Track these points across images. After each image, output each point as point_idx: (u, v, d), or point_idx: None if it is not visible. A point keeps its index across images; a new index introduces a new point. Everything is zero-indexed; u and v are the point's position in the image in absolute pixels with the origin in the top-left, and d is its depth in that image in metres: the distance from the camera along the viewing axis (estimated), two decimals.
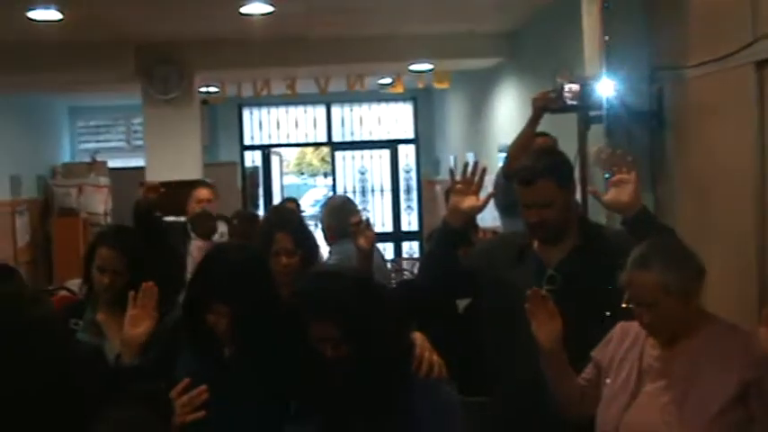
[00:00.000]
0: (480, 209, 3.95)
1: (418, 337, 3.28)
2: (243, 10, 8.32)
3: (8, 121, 12.93)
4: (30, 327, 1.26)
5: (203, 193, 7.96)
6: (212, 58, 10.29)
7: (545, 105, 5.78)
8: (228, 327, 3.31)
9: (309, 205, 25.15)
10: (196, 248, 8.06)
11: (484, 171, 3.94)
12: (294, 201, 10.29)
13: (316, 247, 4.94)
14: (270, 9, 8.30)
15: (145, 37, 9.66)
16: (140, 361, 3.48)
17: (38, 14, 8.03)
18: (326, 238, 6.05)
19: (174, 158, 10.23)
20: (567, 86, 5.82)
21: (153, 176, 10.12)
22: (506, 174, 5.65)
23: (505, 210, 5.77)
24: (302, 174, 34.76)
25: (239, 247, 3.67)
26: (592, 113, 5.98)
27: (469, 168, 3.94)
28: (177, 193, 9.87)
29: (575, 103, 5.85)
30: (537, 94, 5.87)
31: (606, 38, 5.98)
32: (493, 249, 4.16)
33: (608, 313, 3.59)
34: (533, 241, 3.92)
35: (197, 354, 3.41)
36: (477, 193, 3.90)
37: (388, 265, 8.87)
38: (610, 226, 4.56)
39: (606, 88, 5.82)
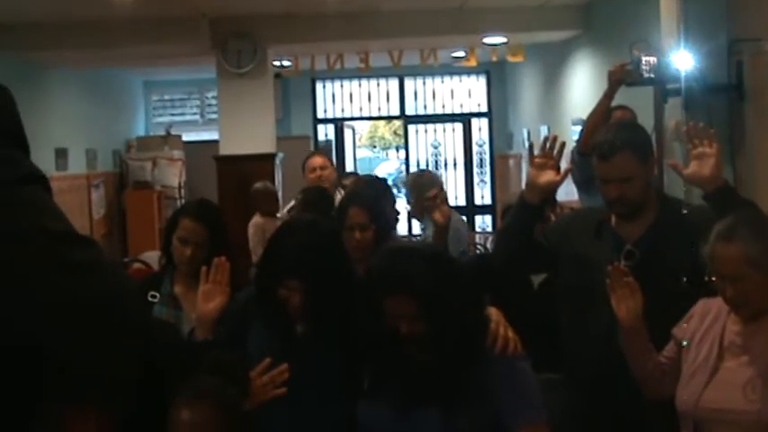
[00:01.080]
0: (558, 183, 3.88)
1: (494, 312, 3.24)
2: None
3: (84, 96, 13.08)
4: (125, 296, 1.26)
5: (317, 161, 7.70)
6: (286, 32, 10.30)
7: (621, 78, 5.69)
8: (301, 302, 3.29)
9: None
10: (252, 225, 8.11)
11: (563, 145, 3.88)
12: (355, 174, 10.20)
13: (391, 221, 4.91)
14: None
15: (219, 11, 9.71)
16: (213, 336, 3.48)
17: None
18: (414, 213, 6.06)
19: (248, 132, 10.29)
20: (643, 59, 5.73)
21: (227, 150, 10.22)
22: (582, 148, 5.59)
23: (582, 185, 5.71)
24: (374, 147, 34.69)
25: (311, 222, 3.63)
26: (669, 86, 5.87)
27: (548, 143, 3.89)
28: (252, 166, 9.98)
29: (651, 76, 5.76)
30: (613, 67, 5.79)
31: (684, 9, 5.86)
32: (570, 224, 4.10)
33: (688, 290, 3.53)
34: (611, 216, 3.86)
35: (269, 329, 3.40)
36: (555, 167, 3.84)
37: None
38: (688, 201, 4.48)
39: (684, 61, 5.71)
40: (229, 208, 8.63)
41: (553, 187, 3.90)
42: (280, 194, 10.46)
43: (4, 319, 1.19)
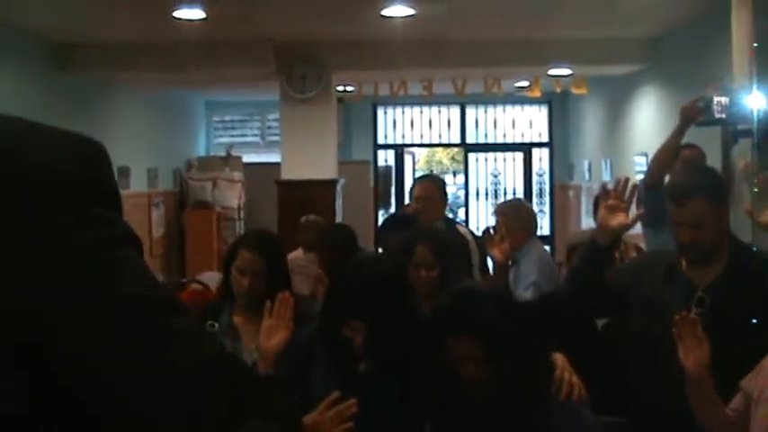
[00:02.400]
0: (630, 227, 3.84)
1: (559, 357, 3.19)
2: (384, 12, 8.31)
3: (148, 116, 13.18)
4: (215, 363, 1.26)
5: (419, 190, 6.49)
6: (351, 59, 10.31)
7: (693, 116, 5.61)
8: (364, 341, 3.27)
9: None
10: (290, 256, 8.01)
11: (634, 188, 3.83)
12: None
13: (456, 259, 4.86)
14: (411, 12, 8.28)
15: (285, 36, 9.73)
16: (275, 372, 3.45)
17: (183, 14, 8.16)
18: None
19: (310, 157, 10.29)
20: (715, 99, 5.65)
21: (289, 174, 10.23)
22: (649, 183, 5.52)
23: (648, 221, 5.63)
24: (432, 171, 34.71)
25: (376, 261, 3.62)
26: (740, 127, 5.79)
27: (620, 186, 3.83)
28: (313, 191, 9.98)
29: (723, 116, 5.68)
30: (686, 104, 5.70)
31: (757, 46, 5.78)
32: (641, 267, 4.04)
33: (759, 340, 3.45)
34: (682, 260, 3.79)
35: (332, 367, 3.38)
36: (626, 210, 3.78)
37: None
38: (760, 247, 4.40)
39: (756, 101, 5.62)
40: (289, 232, 8.60)
41: (624, 230, 3.85)
42: (339, 219, 10.46)
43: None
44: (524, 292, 5.40)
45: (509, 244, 4.98)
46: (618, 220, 3.77)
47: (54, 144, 1.23)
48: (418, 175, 16.28)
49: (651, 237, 5.77)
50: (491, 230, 4.80)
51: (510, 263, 5.02)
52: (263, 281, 4.08)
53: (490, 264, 5.43)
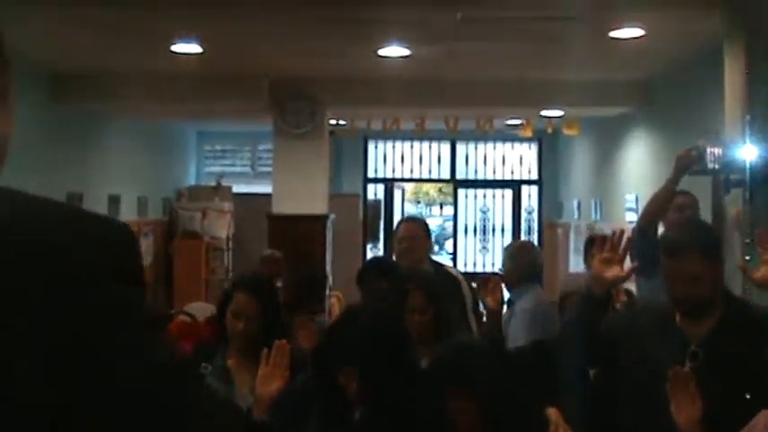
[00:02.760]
0: (624, 279, 3.87)
1: (553, 412, 3.20)
2: (381, 52, 8.35)
3: (139, 145, 13.20)
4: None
5: (406, 229, 6.16)
6: (345, 95, 10.35)
7: (688, 165, 5.65)
8: (359, 388, 3.28)
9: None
10: None
11: (629, 241, 3.85)
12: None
13: (449, 302, 4.87)
14: (408, 52, 8.32)
15: (280, 71, 9.76)
16: (270, 418, 3.47)
17: (180, 48, 8.19)
18: (508, 283, 6.00)
19: (301, 191, 10.31)
20: (708, 150, 5.69)
21: (279, 208, 10.24)
22: (643, 228, 5.55)
23: (642, 270, 5.65)
24: (418, 203, 34.76)
25: (371, 310, 3.63)
26: (732, 177, 5.82)
27: (615, 238, 3.86)
28: (303, 226, 9.99)
29: (716, 167, 5.72)
30: (682, 152, 5.73)
31: (750, 96, 5.83)
32: (634, 320, 4.06)
33: (749, 396, 3.47)
34: (675, 313, 3.81)
35: (326, 414, 3.39)
36: (621, 263, 3.81)
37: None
38: (751, 300, 4.42)
39: (749, 153, 5.66)
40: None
41: (620, 282, 3.88)
42: (328, 254, 10.49)
43: None
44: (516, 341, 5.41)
45: (510, 282, 5.02)
46: (613, 272, 3.79)
47: (88, 234, 1.24)
48: (405, 215, 16.33)
49: (644, 284, 5.78)
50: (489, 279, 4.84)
51: (505, 306, 5.05)
52: (258, 324, 4.11)
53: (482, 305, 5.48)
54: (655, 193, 5.78)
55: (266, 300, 4.22)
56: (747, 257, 5.03)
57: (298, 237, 9.58)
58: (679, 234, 3.77)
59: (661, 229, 5.43)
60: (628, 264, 3.92)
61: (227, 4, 6.71)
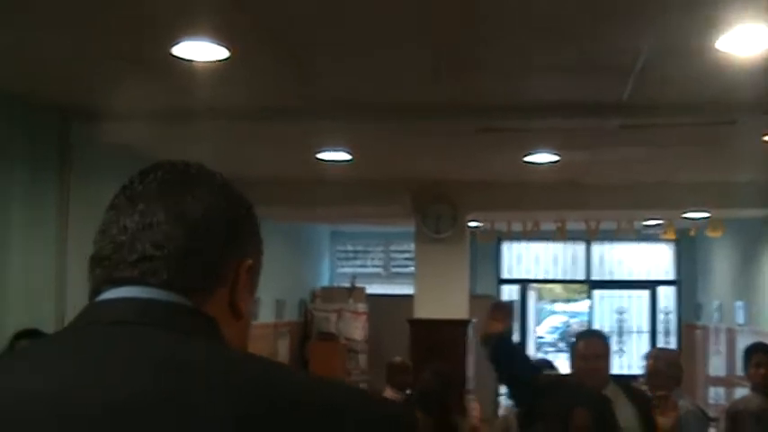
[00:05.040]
0: None
1: None
2: (528, 159, 8.34)
3: (277, 247, 13.33)
4: None
5: (591, 347, 5.35)
6: (486, 200, 10.31)
7: None
8: None
9: (546, 332, 24.92)
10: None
11: None
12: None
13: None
14: (555, 158, 8.29)
15: (422, 176, 9.79)
16: None
17: (328, 156, 8.28)
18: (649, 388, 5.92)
19: (443, 294, 10.25)
20: None
21: (422, 311, 10.21)
22: None
23: None
24: (542, 298, 34.43)
25: None
26: None
27: None
28: (445, 331, 9.93)
29: None
30: None
31: None
32: None
33: None
34: None
35: None
36: None
37: None
38: None
39: None
40: (422, 372, 8.57)
41: None
42: (469, 357, 10.38)
43: None
44: None
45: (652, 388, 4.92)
46: None
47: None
48: (582, 329, 16.18)
49: None
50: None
51: None
52: None
53: None
54: None
55: (440, 417, 4.21)
56: None
57: (439, 342, 9.51)
58: None
59: None
60: None
61: (382, 119, 6.80)
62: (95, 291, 1.36)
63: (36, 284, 6.77)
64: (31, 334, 5.35)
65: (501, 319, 5.01)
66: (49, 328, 5.88)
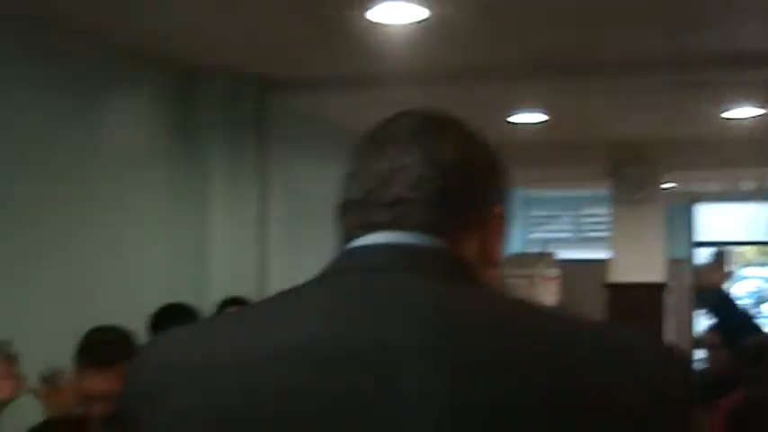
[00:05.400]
0: None
1: None
2: (727, 114, 8.11)
3: None
4: None
5: None
6: (684, 159, 10.08)
7: None
8: None
9: (739, 297, 24.20)
10: None
11: None
12: None
13: None
14: (760, 112, 8.02)
15: (618, 136, 9.61)
16: None
17: (521, 118, 8.19)
18: None
19: (639, 257, 10.05)
20: None
21: (617, 276, 10.05)
22: None
23: None
24: (734, 263, 33.43)
25: None
26: None
27: None
28: (641, 295, 9.75)
29: None
30: None
31: None
32: None
33: None
34: None
35: None
36: None
37: None
38: None
39: None
40: None
41: None
42: (666, 323, 10.16)
43: None
44: None
45: None
46: None
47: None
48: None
49: None
50: None
51: None
52: None
53: None
54: None
55: None
56: None
57: (635, 306, 9.33)
58: None
59: None
60: None
61: (583, 78, 6.69)
62: (348, 236, 1.34)
63: (238, 257, 6.92)
64: (237, 301, 5.46)
65: (720, 270, 4.86)
66: (252, 299, 6.02)
